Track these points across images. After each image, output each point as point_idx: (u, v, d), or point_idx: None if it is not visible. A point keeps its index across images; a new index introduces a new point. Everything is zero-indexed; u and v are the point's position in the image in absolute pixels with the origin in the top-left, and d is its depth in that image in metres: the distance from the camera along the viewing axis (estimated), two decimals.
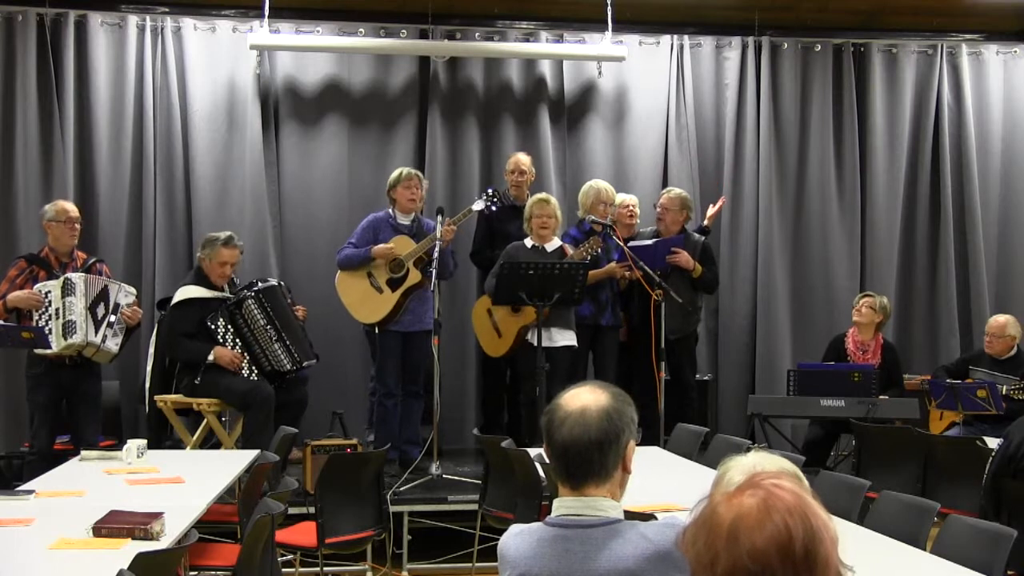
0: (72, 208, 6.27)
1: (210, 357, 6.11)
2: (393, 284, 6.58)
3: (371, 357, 7.32)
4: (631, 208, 7.38)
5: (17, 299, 5.98)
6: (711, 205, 7.65)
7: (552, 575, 2.17)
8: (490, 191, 6.75)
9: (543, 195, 6.77)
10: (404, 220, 6.73)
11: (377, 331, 6.74)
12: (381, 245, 6.59)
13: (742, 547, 1.40)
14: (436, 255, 6.23)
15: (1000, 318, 7.07)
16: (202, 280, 6.25)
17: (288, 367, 6.32)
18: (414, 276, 6.52)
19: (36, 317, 5.93)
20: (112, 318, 6.08)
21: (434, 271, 6.23)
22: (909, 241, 8.49)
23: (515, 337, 6.65)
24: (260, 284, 6.44)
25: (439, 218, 6.43)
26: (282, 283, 6.77)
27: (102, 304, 6.06)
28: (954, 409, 6.54)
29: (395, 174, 6.79)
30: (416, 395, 6.77)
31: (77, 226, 6.23)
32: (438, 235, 6.32)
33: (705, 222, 7.56)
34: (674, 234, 7.13)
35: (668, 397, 6.70)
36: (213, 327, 6.17)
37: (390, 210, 6.76)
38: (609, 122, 8.26)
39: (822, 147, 8.35)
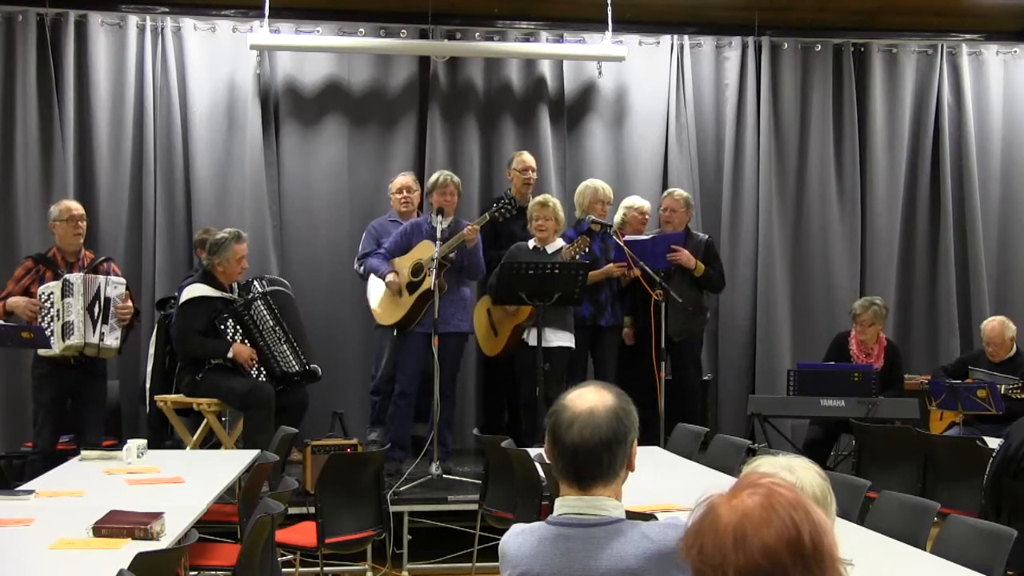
0: (76, 206, 6.22)
1: (229, 354, 6.09)
2: (411, 288, 6.59)
3: (372, 357, 7.32)
4: (646, 216, 7.31)
5: (15, 305, 5.98)
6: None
7: (553, 574, 2.17)
8: (504, 199, 6.69)
9: (543, 197, 6.76)
10: (441, 224, 6.63)
11: (396, 333, 6.75)
12: (392, 277, 6.59)
13: (753, 546, 1.39)
14: (435, 256, 6.24)
15: (995, 324, 6.98)
16: (210, 280, 6.22)
17: (296, 368, 6.32)
18: (428, 282, 6.50)
19: (39, 318, 5.93)
20: (107, 315, 6.06)
21: (434, 270, 6.23)
22: (909, 241, 8.48)
23: (509, 336, 6.66)
24: (266, 283, 6.45)
25: (439, 218, 6.42)
26: (288, 285, 6.76)
27: (98, 303, 6.05)
28: (954, 409, 6.54)
29: (432, 178, 6.77)
30: (448, 397, 6.60)
31: (81, 224, 6.15)
32: (437, 235, 6.33)
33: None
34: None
35: (670, 399, 6.68)
36: (222, 327, 6.16)
37: (430, 215, 6.67)
38: (609, 122, 8.25)
39: (822, 147, 8.34)
